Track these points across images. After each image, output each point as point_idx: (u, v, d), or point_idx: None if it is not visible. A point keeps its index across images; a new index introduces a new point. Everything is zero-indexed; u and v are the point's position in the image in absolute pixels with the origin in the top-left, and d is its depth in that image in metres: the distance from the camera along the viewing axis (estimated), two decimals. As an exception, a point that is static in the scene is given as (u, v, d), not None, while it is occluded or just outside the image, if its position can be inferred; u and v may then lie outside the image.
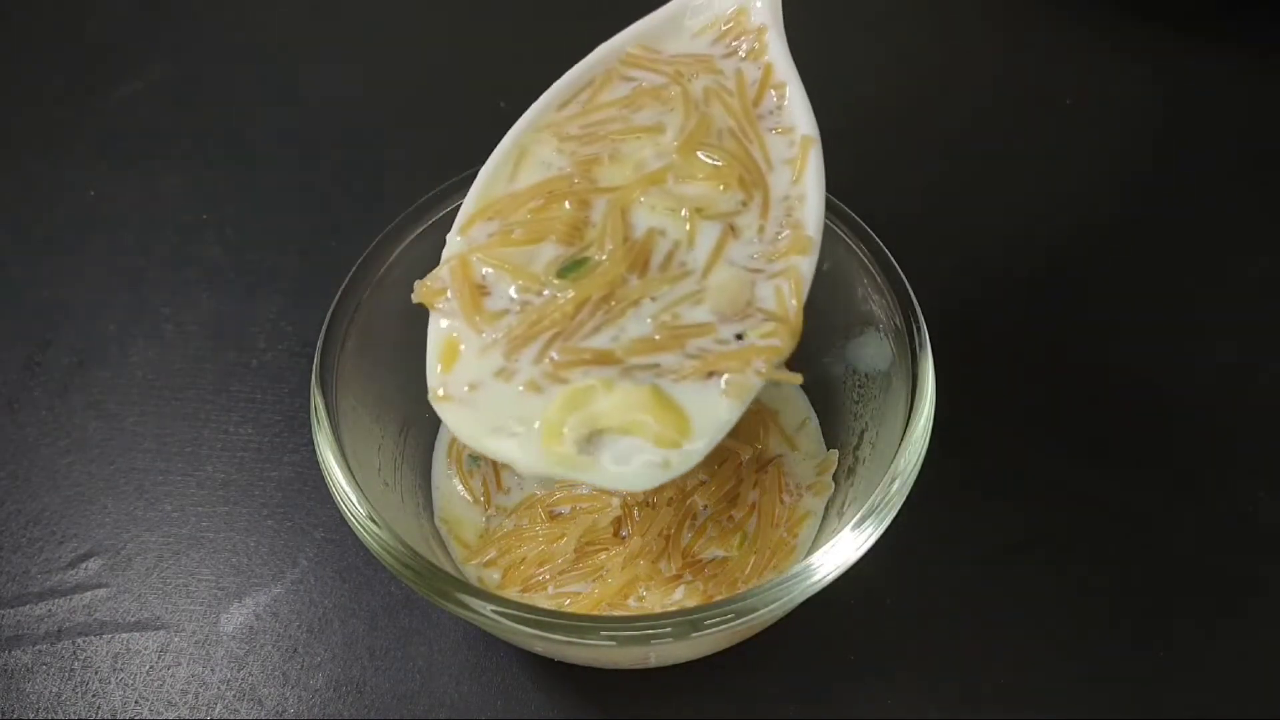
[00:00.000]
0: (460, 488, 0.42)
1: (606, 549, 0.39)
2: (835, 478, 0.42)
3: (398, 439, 0.41)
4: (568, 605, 0.38)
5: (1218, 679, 0.41)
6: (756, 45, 0.37)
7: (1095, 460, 0.47)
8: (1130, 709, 0.41)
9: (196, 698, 0.42)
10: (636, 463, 0.31)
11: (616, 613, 0.38)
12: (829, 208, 0.41)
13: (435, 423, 0.43)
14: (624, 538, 0.40)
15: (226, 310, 0.53)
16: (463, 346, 0.33)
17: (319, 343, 0.38)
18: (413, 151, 0.59)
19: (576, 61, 0.38)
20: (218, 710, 0.41)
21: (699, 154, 0.35)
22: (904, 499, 0.34)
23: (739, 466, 0.41)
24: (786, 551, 0.40)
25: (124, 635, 0.43)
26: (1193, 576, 0.44)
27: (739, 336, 0.32)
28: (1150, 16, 0.65)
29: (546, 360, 0.32)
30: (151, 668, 0.42)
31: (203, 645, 0.43)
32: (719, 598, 0.38)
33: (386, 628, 0.43)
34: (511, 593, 0.39)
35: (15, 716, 0.41)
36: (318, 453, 0.35)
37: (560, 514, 0.41)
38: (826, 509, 0.41)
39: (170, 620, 0.44)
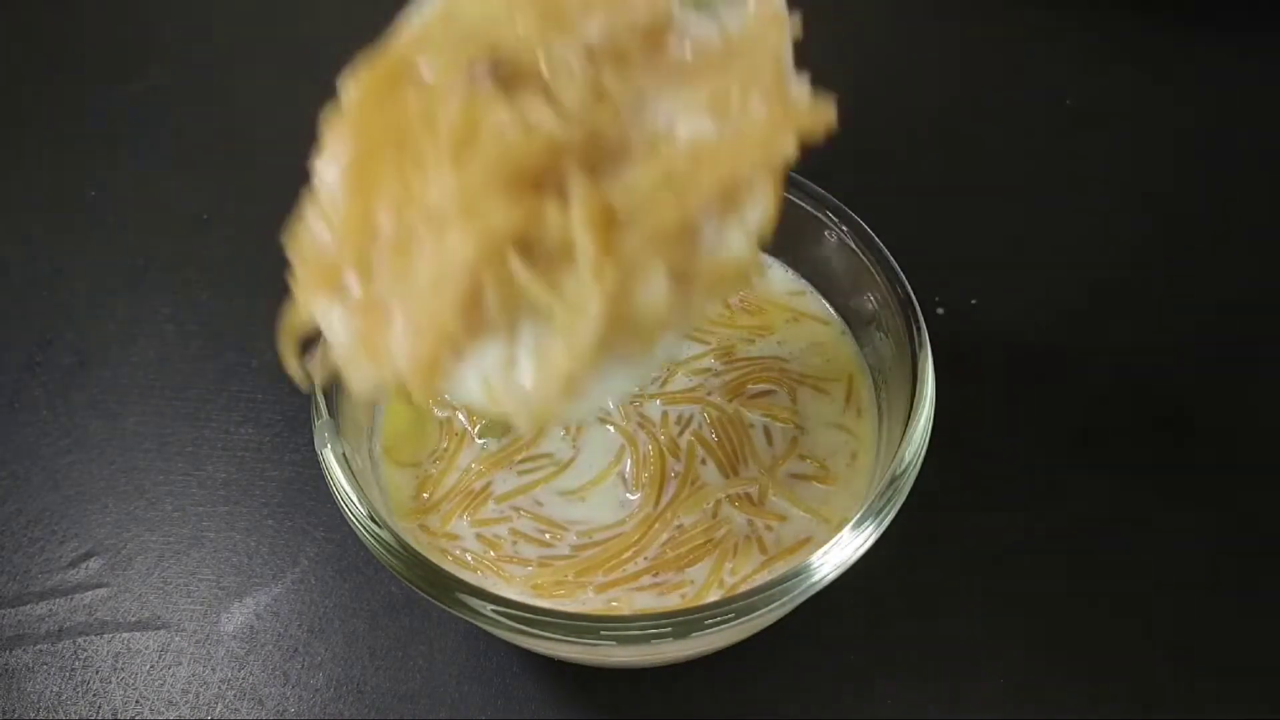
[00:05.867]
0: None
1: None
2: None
3: (398, 439, 0.41)
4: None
5: (1218, 679, 0.41)
6: None
7: (1095, 460, 0.47)
8: (1129, 709, 0.41)
9: (197, 697, 0.42)
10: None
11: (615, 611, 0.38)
12: (828, 207, 0.41)
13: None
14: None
15: (226, 310, 0.53)
16: None
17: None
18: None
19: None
20: (218, 710, 0.41)
21: None
22: (904, 499, 0.34)
23: None
24: None
25: (125, 635, 0.43)
26: (1192, 576, 0.44)
27: None
28: (1151, 16, 0.65)
29: None
30: (152, 667, 0.42)
31: (203, 645, 0.43)
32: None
33: (387, 627, 0.43)
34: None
35: (16, 716, 0.41)
36: (318, 452, 0.36)
37: None
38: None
39: (171, 620, 0.44)
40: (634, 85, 0.28)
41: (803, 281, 0.45)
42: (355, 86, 0.30)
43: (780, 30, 0.30)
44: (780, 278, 0.45)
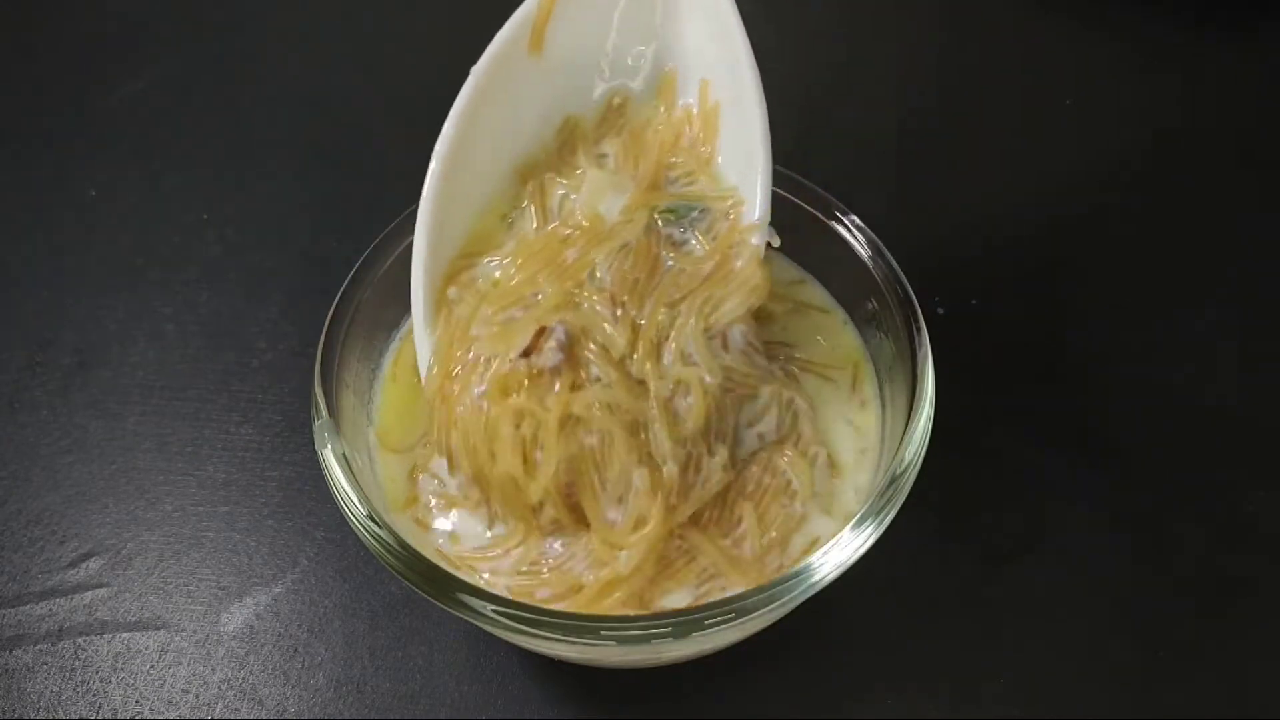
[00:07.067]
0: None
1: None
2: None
3: (398, 439, 0.41)
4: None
5: (1218, 679, 0.41)
6: None
7: (1095, 460, 0.47)
8: (1130, 709, 0.41)
9: (197, 697, 0.42)
10: None
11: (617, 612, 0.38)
12: (829, 210, 0.41)
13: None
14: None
15: (226, 310, 0.53)
16: None
17: (319, 342, 0.38)
18: (413, 151, 0.59)
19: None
20: (218, 710, 0.41)
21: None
22: (904, 499, 0.34)
23: None
24: None
25: (125, 635, 0.43)
26: (1192, 576, 0.44)
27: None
28: (1151, 16, 0.66)
29: None
30: (152, 667, 0.42)
31: (203, 645, 0.43)
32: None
33: (387, 627, 0.43)
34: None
35: (16, 716, 0.41)
36: (318, 452, 0.36)
37: None
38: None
39: (171, 620, 0.44)
40: (654, 315, 0.36)
41: (803, 272, 0.45)
42: (432, 382, 0.37)
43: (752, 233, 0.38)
44: (781, 269, 0.45)
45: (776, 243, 0.39)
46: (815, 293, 0.44)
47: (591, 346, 0.35)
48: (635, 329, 0.36)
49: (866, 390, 0.41)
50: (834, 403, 0.40)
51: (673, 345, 0.36)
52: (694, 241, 0.38)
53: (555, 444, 0.34)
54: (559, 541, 0.36)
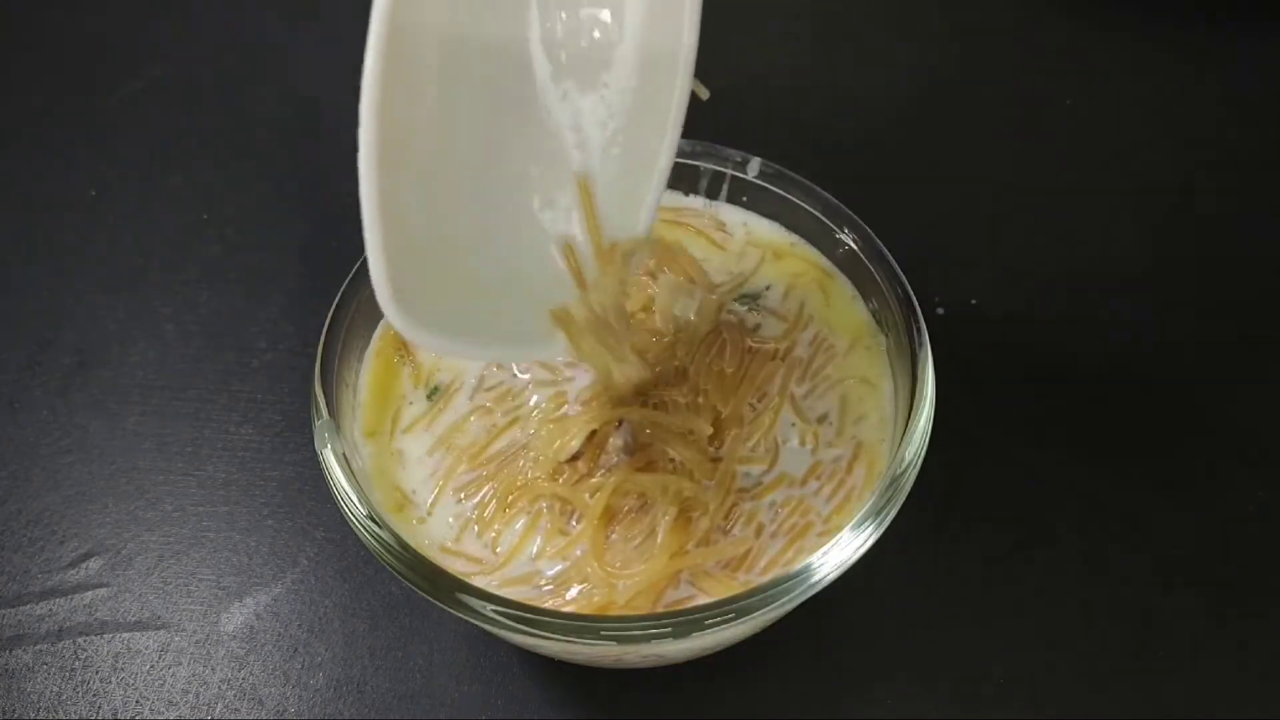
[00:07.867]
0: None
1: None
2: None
3: (398, 439, 0.41)
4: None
5: (1218, 679, 0.41)
6: None
7: (1094, 460, 0.47)
8: (1130, 709, 0.41)
9: (197, 697, 0.42)
10: None
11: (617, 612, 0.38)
12: (828, 210, 0.41)
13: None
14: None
15: (226, 310, 0.53)
16: None
17: (319, 342, 0.38)
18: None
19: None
20: (218, 710, 0.41)
21: None
22: (904, 500, 0.34)
23: None
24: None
25: (125, 635, 0.43)
26: (1192, 576, 0.44)
27: None
28: (1151, 17, 0.66)
29: None
30: (152, 667, 0.42)
31: (203, 645, 0.43)
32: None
33: (387, 627, 0.43)
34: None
35: (16, 716, 0.41)
36: (318, 452, 0.36)
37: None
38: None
39: (171, 620, 0.44)
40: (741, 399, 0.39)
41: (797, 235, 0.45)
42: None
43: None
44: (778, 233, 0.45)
45: (705, 94, 0.35)
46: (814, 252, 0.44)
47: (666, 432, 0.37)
48: (717, 414, 0.38)
49: (878, 369, 0.41)
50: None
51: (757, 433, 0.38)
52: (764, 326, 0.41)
53: (596, 525, 0.36)
54: (553, 569, 0.36)
